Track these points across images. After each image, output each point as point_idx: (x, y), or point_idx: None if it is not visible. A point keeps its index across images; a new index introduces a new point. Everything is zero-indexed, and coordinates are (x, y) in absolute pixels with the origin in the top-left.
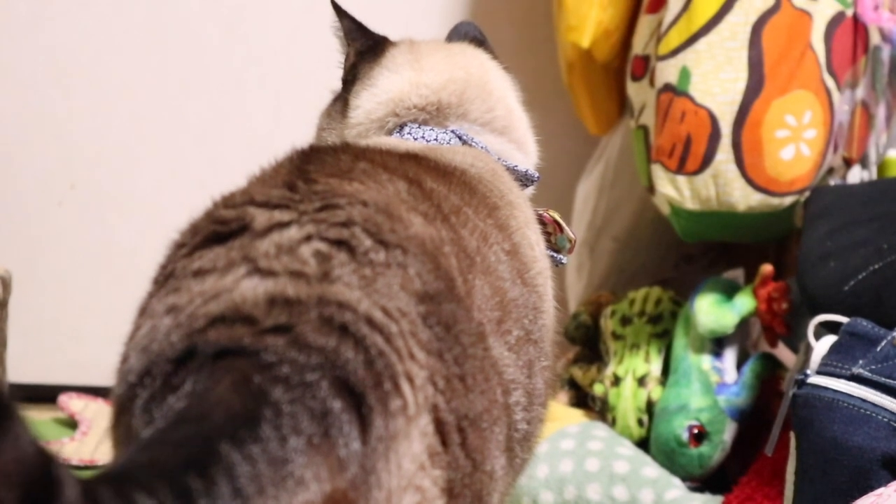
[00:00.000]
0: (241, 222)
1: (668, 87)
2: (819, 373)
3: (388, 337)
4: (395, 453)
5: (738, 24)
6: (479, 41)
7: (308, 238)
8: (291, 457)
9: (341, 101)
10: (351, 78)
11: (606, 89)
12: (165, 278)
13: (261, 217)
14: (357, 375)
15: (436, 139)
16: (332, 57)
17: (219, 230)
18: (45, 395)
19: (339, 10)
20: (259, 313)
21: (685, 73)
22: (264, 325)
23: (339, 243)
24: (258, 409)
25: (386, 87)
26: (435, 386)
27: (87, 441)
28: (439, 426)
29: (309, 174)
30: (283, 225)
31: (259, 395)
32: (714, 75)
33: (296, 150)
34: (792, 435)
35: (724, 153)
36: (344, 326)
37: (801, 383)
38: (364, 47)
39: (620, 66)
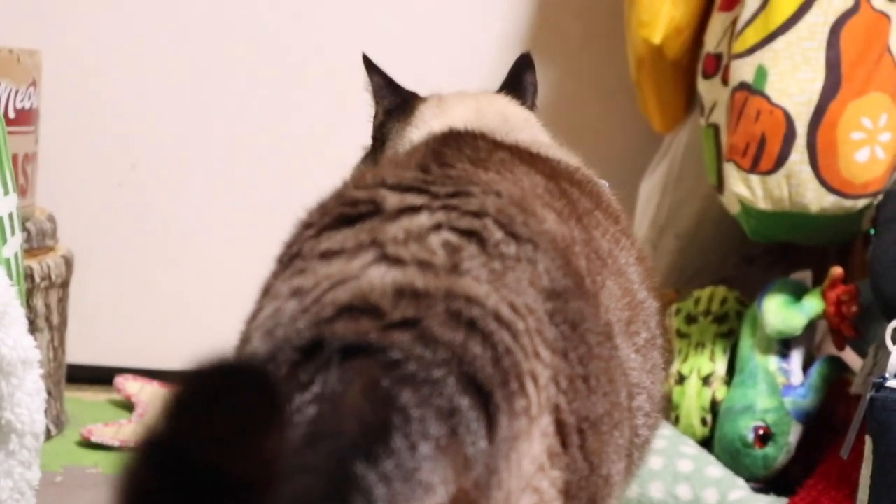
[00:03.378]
0: (371, 204)
1: (743, 86)
2: None
3: (515, 334)
4: (517, 453)
5: (816, 25)
6: (518, 84)
7: (438, 227)
8: (421, 465)
9: (371, 160)
10: (380, 136)
11: (674, 86)
12: (291, 259)
13: (392, 199)
14: (485, 373)
15: None
16: (395, 46)
17: (348, 212)
18: (102, 376)
19: (369, 66)
20: (386, 305)
21: (762, 72)
22: (391, 319)
23: (470, 234)
24: (388, 416)
25: None
26: (558, 386)
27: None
28: (560, 427)
29: (444, 157)
30: (414, 209)
31: (388, 400)
32: (791, 75)
33: (434, 135)
34: (868, 439)
35: (799, 153)
36: (472, 322)
37: (879, 387)
38: (393, 105)
39: (690, 63)
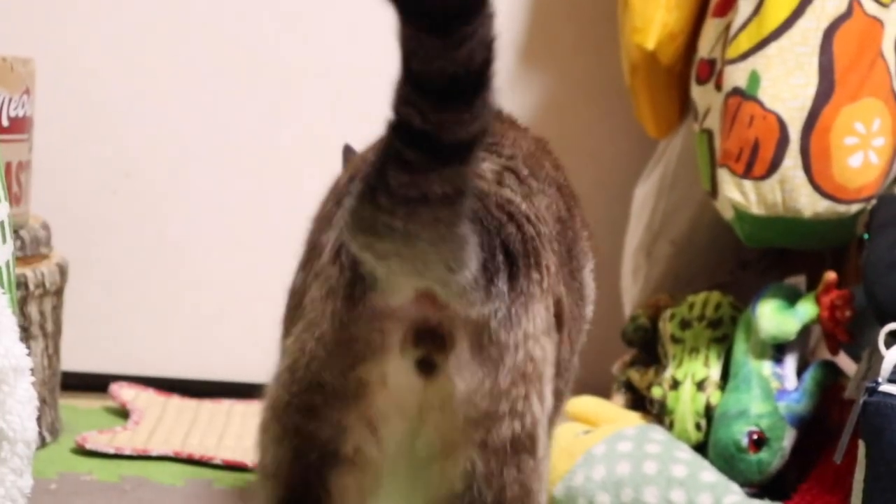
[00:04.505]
0: None
1: (736, 91)
2: (890, 381)
3: (538, 232)
4: (532, 309)
5: (809, 30)
6: None
7: (484, 160)
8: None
9: None
10: None
11: (668, 92)
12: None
13: None
14: (515, 245)
15: None
16: (388, 52)
17: None
18: (97, 383)
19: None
20: None
21: (755, 78)
22: None
23: (507, 168)
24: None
25: None
26: (560, 282)
27: (139, 430)
28: (558, 311)
29: None
30: None
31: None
32: (784, 80)
33: None
34: (861, 443)
35: (792, 159)
36: (510, 213)
37: (872, 391)
38: None
39: (683, 69)
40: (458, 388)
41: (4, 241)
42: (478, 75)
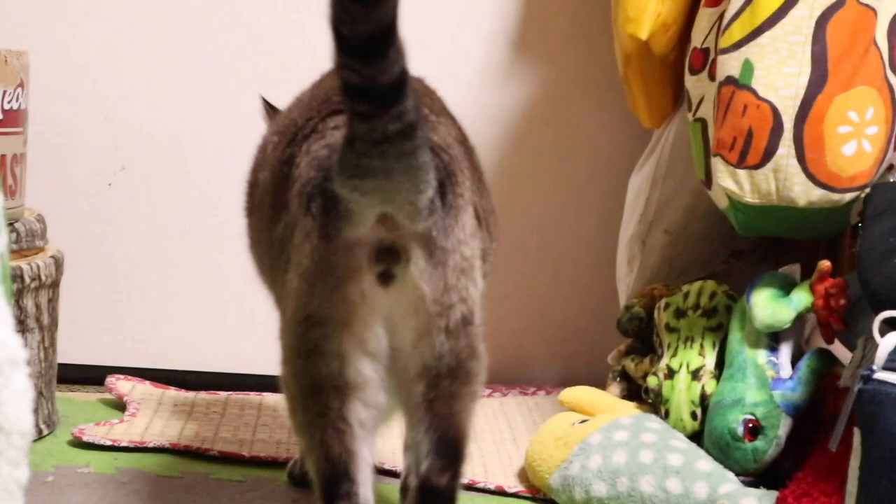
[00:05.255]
0: None
1: (730, 80)
2: (885, 369)
3: (451, 156)
4: (460, 219)
5: (802, 19)
6: None
7: None
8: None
9: None
10: None
11: (662, 82)
12: (307, 135)
13: None
14: (442, 172)
15: None
16: None
17: (336, 108)
18: (93, 376)
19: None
20: None
21: (748, 67)
22: None
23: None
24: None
25: None
26: (474, 192)
27: (136, 422)
28: (477, 214)
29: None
30: None
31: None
32: (777, 69)
33: None
34: (856, 430)
35: (786, 147)
36: (433, 148)
37: (867, 379)
38: None
39: (677, 59)
40: (426, 291)
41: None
42: (391, 30)
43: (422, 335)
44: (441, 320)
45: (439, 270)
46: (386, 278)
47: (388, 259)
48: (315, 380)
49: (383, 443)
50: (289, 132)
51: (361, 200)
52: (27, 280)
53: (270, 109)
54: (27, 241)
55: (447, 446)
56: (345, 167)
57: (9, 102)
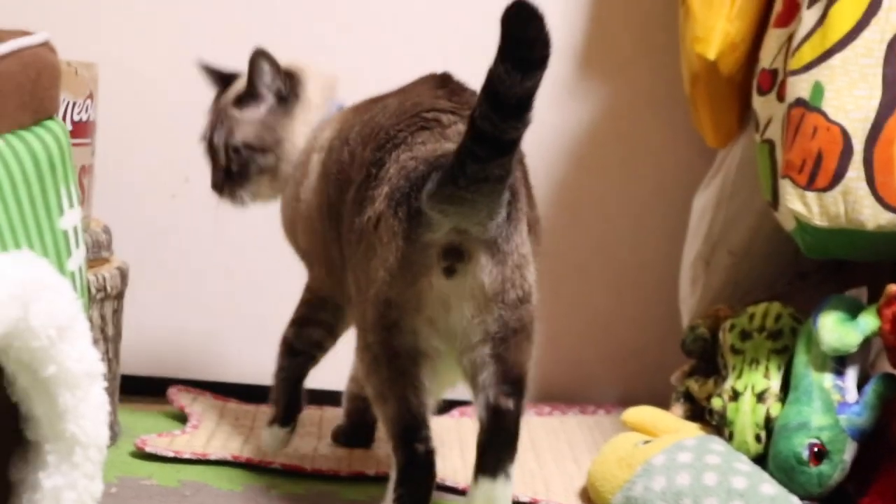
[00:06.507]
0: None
1: (800, 102)
2: None
3: (516, 177)
4: (519, 227)
5: (873, 41)
6: None
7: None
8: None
9: None
10: None
11: (728, 102)
12: (396, 146)
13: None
14: (509, 191)
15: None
16: (445, 60)
17: (424, 124)
18: (155, 387)
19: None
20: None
21: (818, 89)
22: None
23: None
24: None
25: None
26: (527, 205)
27: (198, 434)
28: (528, 224)
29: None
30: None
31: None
32: (848, 91)
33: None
34: None
35: (856, 170)
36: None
37: None
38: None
39: (743, 79)
40: (485, 282)
41: (77, 245)
42: (531, 98)
43: (481, 313)
44: (501, 299)
45: (499, 268)
46: (450, 272)
47: (454, 257)
48: (395, 349)
49: (445, 461)
50: (378, 137)
51: (444, 219)
52: (93, 291)
53: (214, 75)
54: (93, 252)
55: (511, 377)
56: (440, 195)
57: (78, 114)
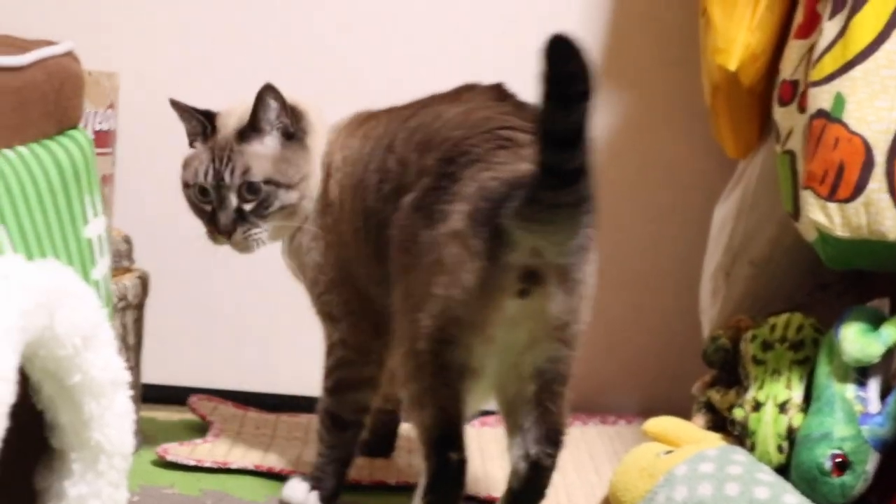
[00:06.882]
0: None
1: (821, 114)
2: None
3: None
4: (588, 257)
5: (894, 52)
6: None
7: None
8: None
9: None
10: None
11: (749, 113)
12: (472, 161)
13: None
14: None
15: None
16: (468, 71)
17: (502, 143)
18: (176, 396)
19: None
20: None
21: (840, 100)
22: None
23: None
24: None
25: None
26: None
27: (219, 443)
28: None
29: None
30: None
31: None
32: (869, 103)
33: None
34: None
35: (877, 182)
36: None
37: None
38: None
39: (764, 90)
40: (553, 309)
41: (102, 254)
42: (581, 129)
43: (538, 341)
44: (560, 332)
45: (567, 297)
46: (524, 293)
47: (530, 279)
48: (446, 362)
49: (477, 474)
50: (443, 147)
51: (526, 237)
52: (114, 300)
53: (187, 113)
54: (115, 261)
55: (554, 438)
56: (524, 216)
57: (99, 123)
